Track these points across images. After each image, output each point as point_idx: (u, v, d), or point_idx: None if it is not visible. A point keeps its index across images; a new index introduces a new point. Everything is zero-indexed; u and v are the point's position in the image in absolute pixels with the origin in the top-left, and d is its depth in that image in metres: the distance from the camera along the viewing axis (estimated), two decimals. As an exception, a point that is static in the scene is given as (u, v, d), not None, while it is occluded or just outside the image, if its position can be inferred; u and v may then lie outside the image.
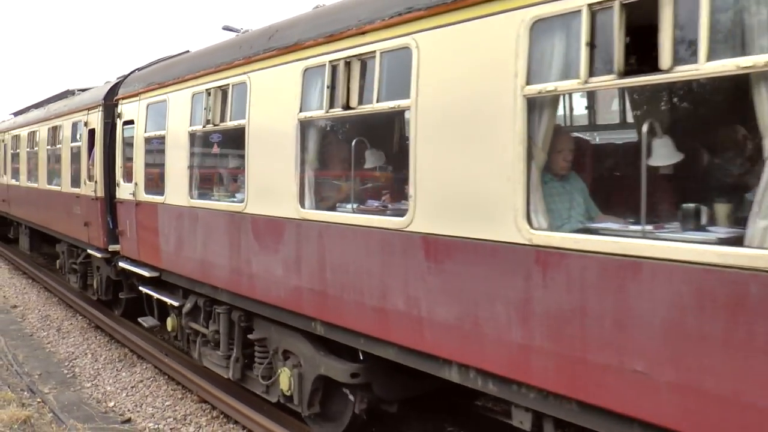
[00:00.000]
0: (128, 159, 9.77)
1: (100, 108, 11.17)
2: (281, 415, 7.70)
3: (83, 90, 16.61)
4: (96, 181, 11.09)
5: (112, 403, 8.58)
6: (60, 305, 14.81)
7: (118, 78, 11.84)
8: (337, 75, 5.30)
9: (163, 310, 9.52)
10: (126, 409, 8.36)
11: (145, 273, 9.02)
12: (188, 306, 8.11)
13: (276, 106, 6.11)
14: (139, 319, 9.79)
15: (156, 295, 8.99)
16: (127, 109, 9.78)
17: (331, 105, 5.39)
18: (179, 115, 7.89)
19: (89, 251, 11.86)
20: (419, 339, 4.56)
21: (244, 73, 6.49)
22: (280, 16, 9.61)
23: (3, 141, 20.47)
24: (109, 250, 10.78)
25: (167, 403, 8.49)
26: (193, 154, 7.58)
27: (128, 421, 7.99)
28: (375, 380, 5.79)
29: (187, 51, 10.10)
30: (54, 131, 14.39)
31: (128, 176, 9.67)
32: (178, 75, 8.09)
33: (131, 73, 10.74)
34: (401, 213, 4.91)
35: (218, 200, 7.41)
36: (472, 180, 4.08)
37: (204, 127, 7.17)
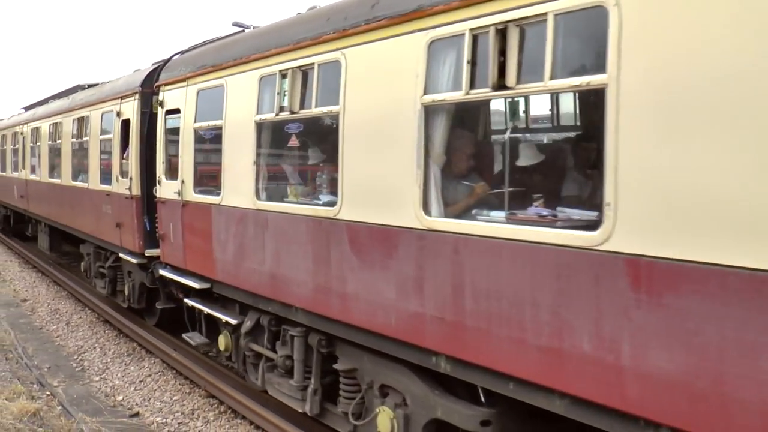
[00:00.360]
0: (172, 153, 8.52)
1: (137, 96, 9.70)
2: (288, 410, 8.07)
3: (92, 85, 15.33)
4: (131, 178, 9.74)
5: (120, 397, 8.40)
6: (69, 299, 14.21)
7: (154, 63, 10.18)
8: (484, 46, 4.01)
9: (211, 325, 8.16)
10: (134, 403, 8.20)
11: (194, 284, 7.65)
12: (248, 324, 6.73)
13: (386, 88, 4.73)
14: (185, 336, 8.37)
15: (206, 310, 7.65)
16: (170, 97, 8.41)
17: (473, 85, 4.12)
18: (242, 102, 6.53)
19: (121, 255, 10.43)
20: (615, 394, 3.39)
21: (337, 50, 5.20)
22: (289, 14, 8.30)
23: (22, 134, 18.68)
24: (146, 254, 9.47)
25: (175, 398, 8.31)
26: (260, 148, 6.20)
27: (136, 415, 7.81)
28: (509, 429, 4.63)
29: (242, 30, 8.60)
30: (80, 123, 12.82)
31: (172, 173, 8.43)
32: (239, 55, 6.64)
33: (173, 56, 9.12)
34: (583, 224, 3.74)
35: (297, 203, 5.87)
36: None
37: (277, 115, 5.77)
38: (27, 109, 23.24)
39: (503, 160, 4.97)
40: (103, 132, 11.37)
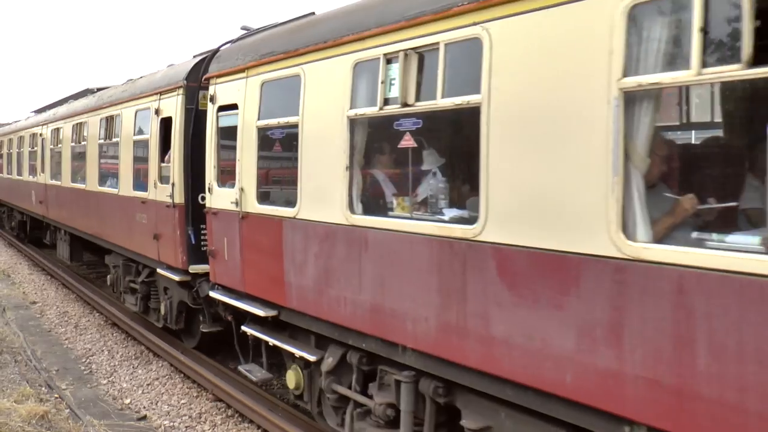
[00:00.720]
0: (226, 156, 7.31)
1: (180, 91, 8.34)
2: (295, 414, 7.16)
3: (102, 89, 14.38)
4: (173, 184, 8.38)
5: (128, 400, 8.16)
6: (78, 302, 13.70)
7: (196, 55, 8.92)
8: None
9: (272, 355, 6.92)
10: (142, 406, 7.97)
11: (257, 311, 6.36)
12: (331, 362, 5.46)
13: (563, 68, 3.52)
14: (241, 369, 7.10)
15: (272, 342, 6.36)
16: (224, 91, 7.14)
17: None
18: (327, 94, 5.25)
19: (159, 271, 9.07)
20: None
21: (475, 24, 3.94)
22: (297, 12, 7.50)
23: (41, 135, 17.07)
24: (190, 271, 8.23)
25: (182, 401, 8.08)
26: (354, 149, 4.93)
27: (144, 418, 7.57)
28: None
29: (312, 13, 7.27)
30: (109, 122, 11.36)
31: (227, 179, 7.17)
32: (323, 38, 5.31)
33: (223, 46, 7.88)
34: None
35: (410, 218, 4.52)
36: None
37: (381, 109, 4.51)
38: (37, 112, 23.06)
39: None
40: (137, 132, 10.01)
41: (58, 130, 15.62)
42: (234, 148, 6.95)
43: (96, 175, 12.06)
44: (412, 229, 4.38)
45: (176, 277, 8.58)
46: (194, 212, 8.24)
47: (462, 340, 4.04)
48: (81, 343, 10.91)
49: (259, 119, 6.42)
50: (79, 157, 13.63)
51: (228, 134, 7.22)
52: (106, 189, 11.47)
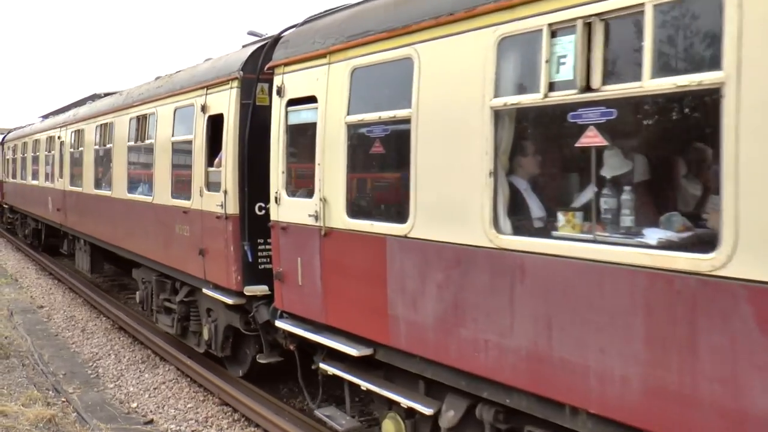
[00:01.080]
0: (300, 159, 6.12)
1: (235, 83, 7.07)
2: (301, 418, 6.93)
3: (109, 94, 14.05)
4: (225, 192, 7.13)
5: (134, 404, 7.98)
6: (85, 306, 13.31)
7: (246, 45, 7.80)
8: None
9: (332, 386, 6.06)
10: (148, 410, 7.79)
11: (350, 350, 5.19)
12: (452, 416, 4.26)
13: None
14: (320, 414, 5.87)
15: (369, 387, 5.13)
16: (297, 81, 5.91)
17: None
18: (456, 79, 4.09)
19: (206, 292, 7.73)
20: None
21: None
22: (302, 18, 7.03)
23: (59, 138, 15.60)
24: (245, 293, 7.00)
25: (189, 405, 7.90)
26: (500, 149, 3.84)
27: (151, 422, 7.36)
28: None
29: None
30: (141, 123, 10.02)
31: (301, 186, 6.07)
32: (449, 8, 4.11)
33: (286, 30, 6.74)
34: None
35: (594, 241, 3.33)
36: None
37: (546, 96, 3.38)
38: (45, 117, 23.28)
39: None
40: (177, 132, 8.64)
41: (79, 132, 14.05)
42: (310, 149, 5.65)
43: (124, 181, 10.66)
44: (603, 256, 3.16)
45: (228, 300, 7.22)
46: (251, 224, 7.04)
47: (685, 409, 2.88)
48: (88, 347, 10.83)
49: (348, 114, 5.17)
50: (103, 161, 12.23)
51: (301, 133, 5.96)
52: (136, 197, 10.09)
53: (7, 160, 24.69)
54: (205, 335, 8.28)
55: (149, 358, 9.94)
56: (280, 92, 6.21)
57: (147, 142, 9.89)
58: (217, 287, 7.61)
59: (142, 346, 10.52)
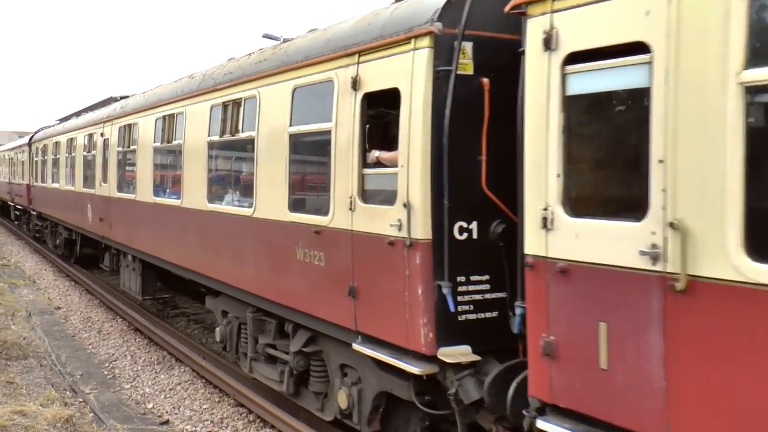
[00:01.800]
0: (598, 151, 4.07)
1: (425, 41, 4.91)
2: (317, 420, 7.00)
3: (125, 97, 13.92)
4: (407, 205, 4.99)
5: (150, 405, 8.16)
6: (101, 307, 13.76)
7: None
8: None
9: None
10: (164, 411, 7.96)
11: None
12: None
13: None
14: None
15: None
16: (593, 22, 3.71)
17: None
18: None
19: (359, 348, 5.58)
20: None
21: None
22: (319, 24, 6.95)
23: (102, 135, 13.53)
24: (439, 357, 4.88)
25: (204, 406, 8.05)
26: None
27: (166, 423, 7.55)
28: None
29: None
30: (232, 110, 7.80)
31: (610, 199, 4.01)
32: None
33: None
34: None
35: None
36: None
37: None
38: (62, 120, 22.35)
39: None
40: (299, 120, 6.54)
41: (129, 127, 11.85)
42: (623, 134, 3.84)
43: (203, 187, 8.50)
44: None
45: (412, 367, 4.99)
46: (451, 255, 4.94)
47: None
48: (104, 348, 10.99)
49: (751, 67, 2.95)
50: (167, 162, 10.26)
51: (598, 108, 3.98)
52: (224, 208, 8.06)
53: (36, 161, 22.45)
54: (342, 402, 6.11)
55: (165, 360, 10.05)
56: (548, 43, 3.96)
57: (242, 135, 7.59)
58: (377, 342, 5.42)
59: (157, 348, 10.63)
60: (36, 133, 23.95)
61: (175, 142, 9.65)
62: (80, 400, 8.26)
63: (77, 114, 19.17)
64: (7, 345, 10.21)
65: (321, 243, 6.02)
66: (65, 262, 18.42)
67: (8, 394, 8.15)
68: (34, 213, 22.90)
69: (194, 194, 8.82)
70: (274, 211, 6.85)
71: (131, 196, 11.59)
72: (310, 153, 6.79)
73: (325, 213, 5.99)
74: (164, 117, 10.09)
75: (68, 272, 17.81)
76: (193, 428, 7.54)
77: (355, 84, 5.62)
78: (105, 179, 13.34)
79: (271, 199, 6.95)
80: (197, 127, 8.79)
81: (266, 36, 9.14)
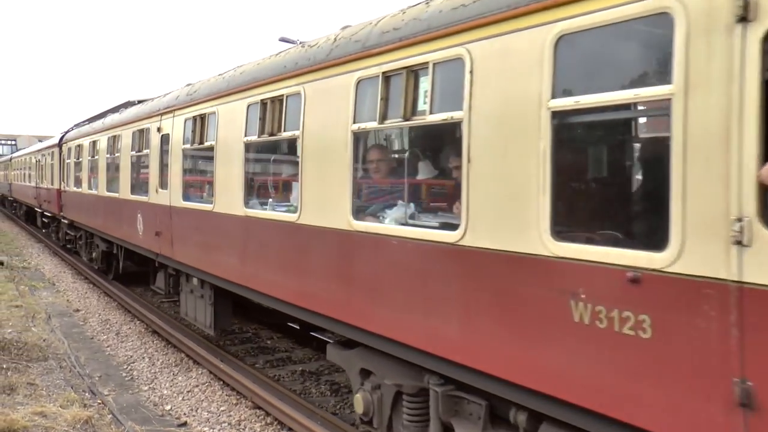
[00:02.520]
0: None
1: None
2: (333, 422, 7.06)
3: (142, 101, 13.66)
4: None
5: (168, 407, 8.19)
6: (119, 310, 13.81)
7: None
8: None
9: None
10: (182, 412, 7.97)
11: None
12: None
13: None
14: None
15: None
16: None
17: None
18: None
19: None
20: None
21: None
22: (334, 28, 6.23)
23: (159, 130, 10.82)
24: None
25: (222, 408, 8.06)
26: None
27: (184, 424, 7.56)
28: None
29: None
30: (408, 82, 5.17)
31: None
32: None
33: None
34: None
35: None
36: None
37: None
38: (78, 125, 20.82)
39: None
40: (593, 87, 3.83)
41: (203, 119, 9.08)
42: None
43: (342, 197, 5.91)
44: None
45: None
46: None
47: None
48: (122, 350, 11.06)
49: None
50: (270, 163, 8.16)
51: None
52: (398, 230, 5.39)
53: (68, 164, 19.84)
54: None
55: (182, 362, 10.09)
56: None
57: (436, 117, 4.98)
58: None
59: (175, 350, 10.68)
60: (67, 132, 21.49)
61: (284, 135, 7.05)
62: (99, 401, 8.31)
63: (98, 117, 18.52)
64: (27, 347, 10.33)
65: (641, 298, 3.44)
66: (102, 278, 16.45)
67: (29, 395, 8.23)
68: (65, 221, 20.50)
69: (324, 207, 6.19)
70: (507, 235, 4.31)
71: (206, 207, 8.98)
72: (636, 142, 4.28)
73: (647, 245, 3.52)
74: (264, 102, 7.34)
75: (87, 275, 17.97)
76: (211, 430, 7.56)
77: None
78: (164, 184, 10.54)
79: (502, 215, 4.34)
80: (329, 113, 6.20)
81: (283, 40, 9.17)
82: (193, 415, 8.00)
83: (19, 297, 14.56)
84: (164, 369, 9.89)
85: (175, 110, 10.37)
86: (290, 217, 6.78)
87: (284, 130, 7.02)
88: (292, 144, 7.15)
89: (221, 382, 9.02)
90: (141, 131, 12.24)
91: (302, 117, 6.57)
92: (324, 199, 6.21)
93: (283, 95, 6.92)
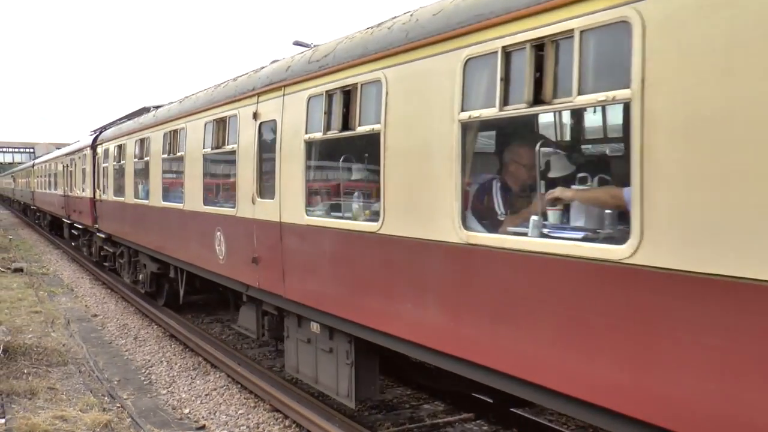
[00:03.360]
0: None
1: None
2: (353, 425, 6.97)
3: (158, 107, 13.33)
4: None
5: (187, 410, 8.18)
6: (137, 314, 13.87)
7: None
8: None
9: None
10: (200, 416, 7.95)
11: None
12: None
13: None
14: None
15: None
16: None
17: None
18: None
19: None
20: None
21: None
22: (349, 31, 6.60)
23: (256, 116, 7.84)
24: None
25: (240, 412, 8.03)
26: None
27: (203, 428, 7.56)
28: None
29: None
30: None
31: None
32: None
33: None
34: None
35: None
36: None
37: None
38: (95, 132, 20.13)
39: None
40: None
41: (343, 96, 6.16)
42: None
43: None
44: None
45: None
46: None
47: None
48: (140, 354, 11.11)
49: None
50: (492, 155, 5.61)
51: None
52: None
53: (104, 169, 16.65)
54: None
55: (200, 365, 10.11)
56: None
57: None
58: None
59: (192, 354, 10.70)
60: (101, 131, 18.25)
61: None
62: (118, 405, 8.35)
63: (108, 126, 18.11)
64: (47, 352, 10.41)
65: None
66: (149, 303, 13.86)
67: (49, 399, 8.29)
68: (103, 235, 16.95)
69: None
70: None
71: (359, 226, 6.03)
72: None
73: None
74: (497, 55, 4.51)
75: (104, 280, 18.10)
76: (230, 433, 7.54)
77: None
78: (264, 192, 7.76)
79: None
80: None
81: (296, 43, 9.17)
82: (212, 419, 7.99)
83: (38, 303, 14.70)
84: (182, 373, 9.91)
85: (285, 85, 7.30)
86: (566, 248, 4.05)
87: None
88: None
89: (239, 386, 9.02)
90: (219, 122, 9.01)
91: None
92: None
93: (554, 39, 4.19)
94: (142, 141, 12.95)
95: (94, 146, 18.04)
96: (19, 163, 71.06)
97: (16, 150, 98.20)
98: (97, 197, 17.45)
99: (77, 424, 7.28)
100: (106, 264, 18.09)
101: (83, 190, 19.58)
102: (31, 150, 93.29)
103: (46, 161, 31.46)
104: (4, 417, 7.59)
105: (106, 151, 16.41)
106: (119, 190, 14.88)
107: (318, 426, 7.03)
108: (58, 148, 35.83)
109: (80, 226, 20.92)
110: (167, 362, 10.47)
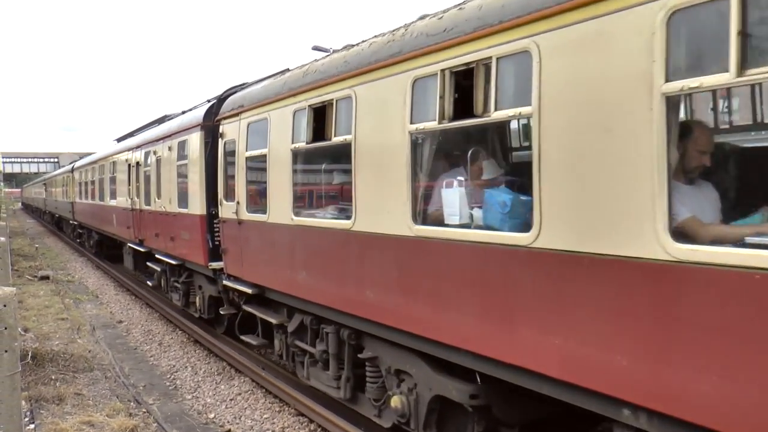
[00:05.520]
0: None
1: None
2: (378, 429, 7.07)
3: (179, 114, 13.42)
4: None
5: (212, 415, 8.21)
6: (161, 320, 14.04)
7: None
8: None
9: None
10: (225, 420, 7.99)
11: None
12: None
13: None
14: None
15: None
16: None
17: None
18: None
19: None
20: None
21: None
22: (365, 35, 6.80)
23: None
24: None
25: (265, 416, 8.06)
26: None
27: None
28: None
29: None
30: None
31: None
32: None
33: None
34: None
35: None
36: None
37: None
38: (120, 140, 21.06)
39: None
40: None
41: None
42: None
43: None
44: None
45: None
46: None
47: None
48: (165, 359, 11.18)
49: None
50: None
51: None
52: None
53: (228, 164, 9.76)
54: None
55: (224, 370, 10.15)
56: None
57: None
58: None
59: (217, 359, 10.76)
60: (226, 96, 10.44)
61: None
62: (144, 410, 8.41)
63: (132, 134, 18.30)
64: (74, 358, 10.52)
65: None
66: (171, 308, 12.06)
67: (77, 405, 8.37)
68: (240, 288, 9.44)
69: None
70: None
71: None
72: None
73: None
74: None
75: (129, 287, 18.28)
76: (255, 438, 7.53)
77: None
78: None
79: None
80: None
81: (315, 48, 9.18)
82: (237, 423, 8.01)
83: (64, 310, 14.88)
84: (207, 378, 9.95)
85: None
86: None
87: None
88: None
89: (264, 390, 9.04)
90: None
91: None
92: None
93: None
94: (317, 110, 7.06)
95: (212, 125, 10.32)
96: (44, 173, 71.66)
97: (41, 160, 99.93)
98: (140, 207, 11.88)
99: (104, 430, 7.33)
100: (170, 296, 12.74)
101: (129, 200, 13.52)
102: (56, 160, 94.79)
103: (100, 158, 21.41)
104: (33, 423, 7.68)
105: (244, 128, 8.81)
106: (183, 199, 10.07)
107: (344, 430, 6.99)
108: (82, 158, 29.55)
109: (169, 260, 12.78)
110: (192, 367, 10.53)
